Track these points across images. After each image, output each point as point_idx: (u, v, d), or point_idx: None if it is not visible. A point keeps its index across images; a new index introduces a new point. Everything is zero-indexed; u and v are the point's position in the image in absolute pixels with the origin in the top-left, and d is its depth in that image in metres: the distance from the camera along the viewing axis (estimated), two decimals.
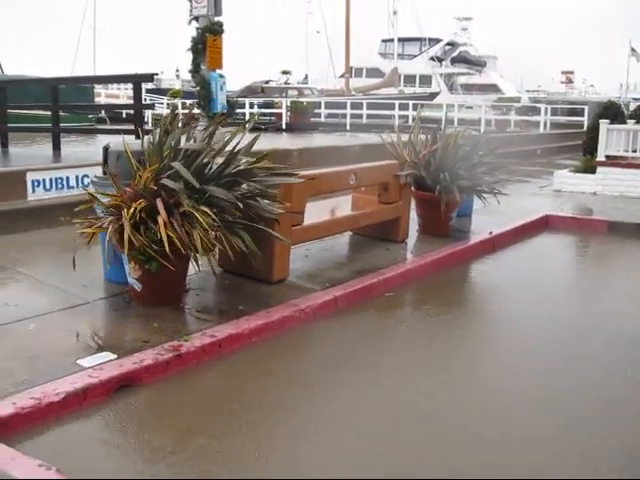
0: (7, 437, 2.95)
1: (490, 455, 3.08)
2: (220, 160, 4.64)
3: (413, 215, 7.11)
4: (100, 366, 3.60)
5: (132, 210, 4.10)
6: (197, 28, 10.76)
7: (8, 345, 3.87)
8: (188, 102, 29.78)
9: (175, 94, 34.49)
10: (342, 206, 6.66)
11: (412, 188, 6.95)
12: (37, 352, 3.77)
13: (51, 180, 7.18)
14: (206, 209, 4.14)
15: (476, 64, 42.05)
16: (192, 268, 4.72)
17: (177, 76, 45.63)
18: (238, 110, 20.64)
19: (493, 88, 38.18)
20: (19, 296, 4.81)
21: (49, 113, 11.11)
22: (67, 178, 7.33)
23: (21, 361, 3.65)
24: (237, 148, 4.71)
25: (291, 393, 3.72)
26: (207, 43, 10.51)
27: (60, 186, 7.26)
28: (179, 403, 3.52)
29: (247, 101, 24.20)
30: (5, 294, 4.89)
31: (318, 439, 3.18)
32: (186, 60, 10.83)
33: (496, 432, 3.29)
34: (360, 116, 24.70)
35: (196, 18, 10.85)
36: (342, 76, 36.07)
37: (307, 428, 3.29)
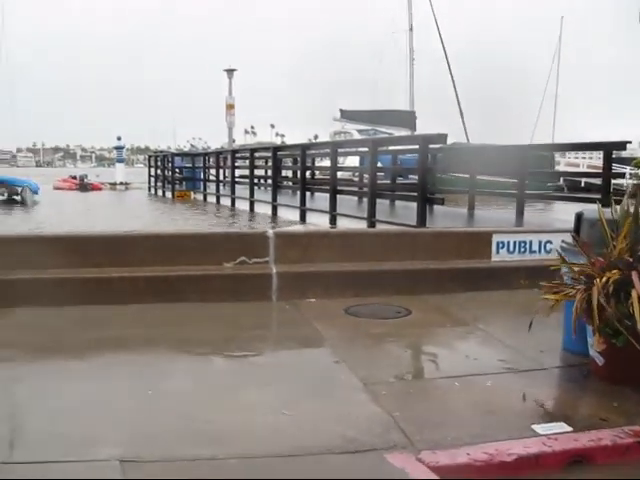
0: None
1: None
2: None
3: None
4: (555, 436, 3.49)
5: (603, 280, 3.96)
6: None
7: (467, 396, 4.03)
8: None
9: (639, 164, 32.96)
10: None
11: None
12: (491, 408, 3.84)
13: (514, 243, 7.37)
14: None
15: None
16: None
17: None
18: None
19: None
20: (477, 351, 5.01)
21: (506, 180, 11.54)
22: (530, 242, 7.43)
23: (476, 414, 3.76)
24: None
25: None
26: None
27: (522, 250, 7.40)
28: None
29: None
30: (465, 347, 5.15)
31: None
32: None
33: None
34: None
35: None
36: None
37: None
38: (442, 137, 9.84)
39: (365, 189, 14.14)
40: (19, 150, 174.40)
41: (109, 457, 3.12)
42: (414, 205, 10.62)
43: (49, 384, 4.15)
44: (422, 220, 9.38)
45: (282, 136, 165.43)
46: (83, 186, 37.37)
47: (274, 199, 16.89)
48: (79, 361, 4.72)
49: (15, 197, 27.33)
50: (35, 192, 27.06)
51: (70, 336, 5.27)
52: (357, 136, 38.95)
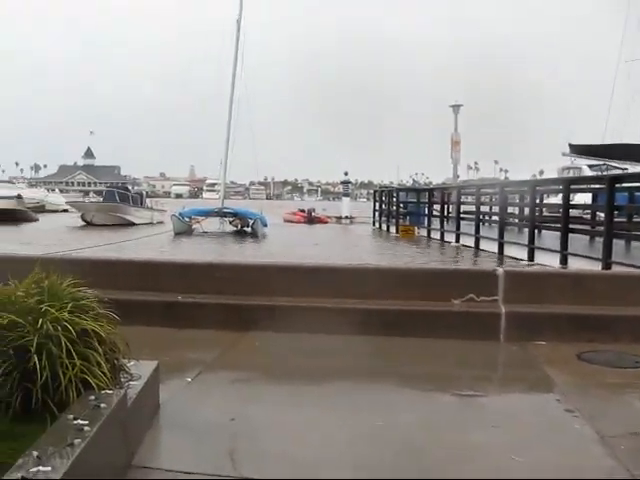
0: None
1: None
2: None
3: None
4: None
5: None
6: None
7: None
8: None
9: None
10: None
11: None
12: None
13: None
14: None
15: None
16: None
17: None
18: None
19: None
20: None
21: None
22: None
23: None
24: None
25: None
26: None
27: None
28: None
29: None
30: None
31: None
32: None
33: None
34: None
35: None
36: None
37: None
38: None
39: (599, 228, 13.41)
40: (252, 183, 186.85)
41: None
42: None
43: (278, 407, 4.38)
44: None
45: (506, 172, 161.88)
46: (310, 219, 39.04)
47: (501, 236, 16.52)
48: (307, 387, 4.94)
49: (246, 229, 29.17)
50: (265, 225, 28.71)
51: (299, 362, 5.53)
52: (587, 171, 37.09)
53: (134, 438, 3.40)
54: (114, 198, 35.08)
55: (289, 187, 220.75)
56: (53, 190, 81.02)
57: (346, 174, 44.96)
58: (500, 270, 6.59)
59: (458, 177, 38.38)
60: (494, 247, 16.87)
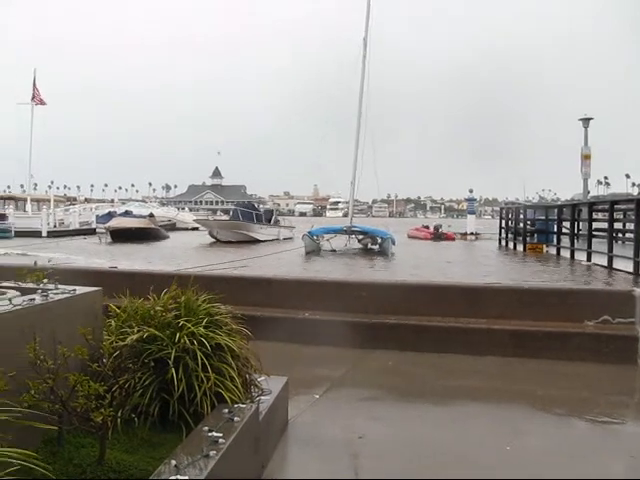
0: None
1: None
2: None
3: None
4: None
5: None
6: None
7: None
8: None
9: None
10: None
11: None
12: None
13: None
14: None
15: None
16: None
17: None
18: None
19: None
20: None
21: None
22: None
23: None
24: None
25: None
26: None
27: None
28: None
29: None
30: None
31: None
32: None
33: None
34: None
35: None
36: None
37: None
38: None
39: None
40: (374, 201, 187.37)
41: None
42: None
43: (406, 427, 4.37)
44: None
45: (639, 186, 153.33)
46: (437, 236, 38.83)
47: (636, 254, 15.69)
48: (436, 407, 4.89)
49: (373, 246, 29.15)
50: (393, 243, 28.59)
51: (428, 382, 5.50)
52: None
53: (264, 452, 3.47)
54: (238, 216, 36.25)
55: (412, 205, 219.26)
56: (183, 209, 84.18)
57: (471, 191, 44.43)
58: (638, 291, 6.26)
59: (588, 193, 36.88)
60: (629, 266, 16.04)
